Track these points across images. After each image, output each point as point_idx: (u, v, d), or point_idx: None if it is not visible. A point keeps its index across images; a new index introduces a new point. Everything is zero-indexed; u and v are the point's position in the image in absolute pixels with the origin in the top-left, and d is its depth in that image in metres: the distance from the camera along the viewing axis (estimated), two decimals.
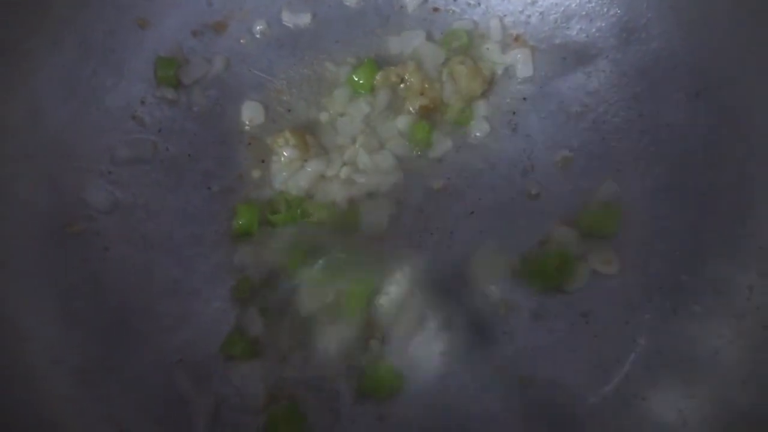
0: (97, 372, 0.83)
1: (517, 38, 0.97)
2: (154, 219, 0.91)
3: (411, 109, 0.94)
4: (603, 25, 0.95)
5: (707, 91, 0.86)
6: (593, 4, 0.96)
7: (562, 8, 0.97)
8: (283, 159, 0.91)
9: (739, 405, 0.74)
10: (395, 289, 0.84)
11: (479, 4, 0.99)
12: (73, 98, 0.94)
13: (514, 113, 0.95)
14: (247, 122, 0.96)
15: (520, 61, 0.96)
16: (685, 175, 0.87)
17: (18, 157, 0.89)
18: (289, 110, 0.96)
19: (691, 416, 0.76)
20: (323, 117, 0.95)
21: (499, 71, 0.96)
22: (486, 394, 0.81)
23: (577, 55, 0.96)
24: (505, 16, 0.98)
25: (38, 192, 0.89)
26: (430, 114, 0.94)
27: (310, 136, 0.93)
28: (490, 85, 0.95)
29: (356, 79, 0.94)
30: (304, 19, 1.00)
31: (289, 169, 0.91)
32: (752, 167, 0.82)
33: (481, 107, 0.94)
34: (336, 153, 0.93)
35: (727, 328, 0.78)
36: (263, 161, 0.93)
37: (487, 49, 0.96)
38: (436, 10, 1.00)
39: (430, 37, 0.98)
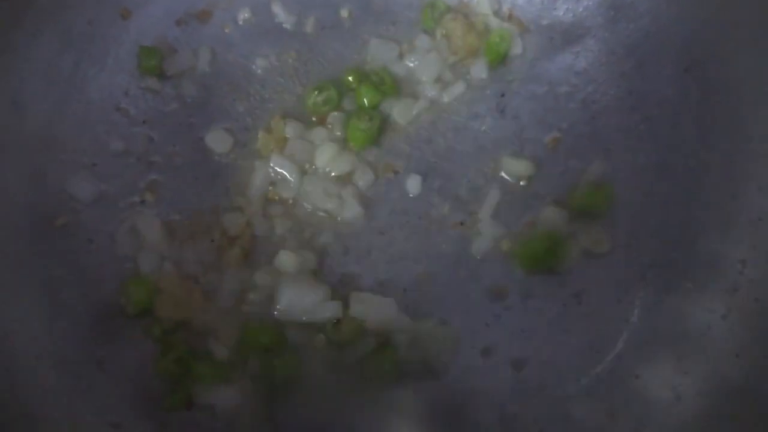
0: (84, 364, 0.82)
1: (510, 16, 0.96)
2: None
3: None
4: (590, 4, 0.94)
5: (696, 67, 0.85)
6: None
7: None
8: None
9: (732, 379, 0.73)
10: None
11: None
12: (56, 90, 0.93)
13: (502, 95, 0.94)
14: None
15: None
16: (675, 151, 0.86)
17: (1, 151, 0.87)
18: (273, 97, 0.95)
19: (685, 392, 0.76)
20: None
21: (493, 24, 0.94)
22: (478, 375, 0.80)
23: (565, 35, 0.95)
24: None
25: (22, 185, 0.88)
26: None
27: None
28: (485, 37, 0.94)
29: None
30: (291, 19, 0.99)
31: None
32: (743, 141, 0.81)
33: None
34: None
35: (720, 302, 0.77)
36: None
37: (477, 2, 0.95)
38: None
39: None
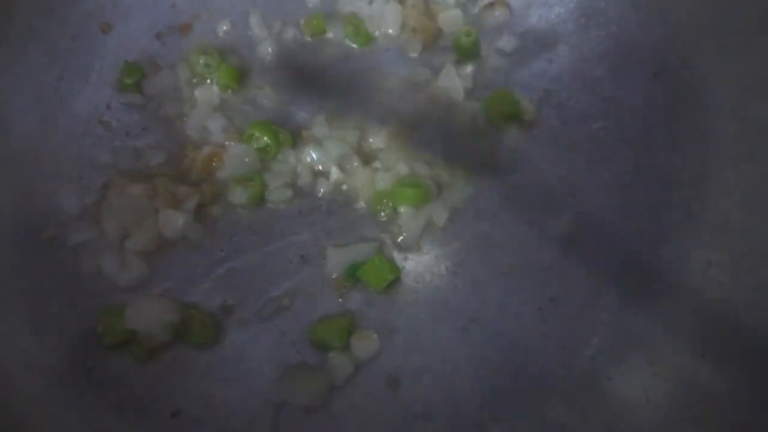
0: (72, 374, 0.83)
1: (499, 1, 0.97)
2: None
3: None
4: (562, 11, 0.96)
5: (665, 72, 0.87)
6: None
7: None
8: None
9: (700, 380, 0.75)
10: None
11: None
12: (41, 105, 0.95)
13: (478, 101, 0.95)
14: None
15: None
16: (647, 156, 0.88)
17: None
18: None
19: (654, 393, 0.77)
20: None
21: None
22: (456, 378, 0.82)
23: (538, 42, 0.96)
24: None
25: (9, 199, 0.90)
26: None
27: None
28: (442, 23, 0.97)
29: None
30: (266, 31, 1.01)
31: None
32: (710, 145, 0.82)
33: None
34: None
35: (687, 304, 0.79)
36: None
37: None
38: None
39: None
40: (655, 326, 0.79)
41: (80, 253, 0.89)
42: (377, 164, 0.92)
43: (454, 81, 0.94)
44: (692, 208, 0.82)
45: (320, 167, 0.92)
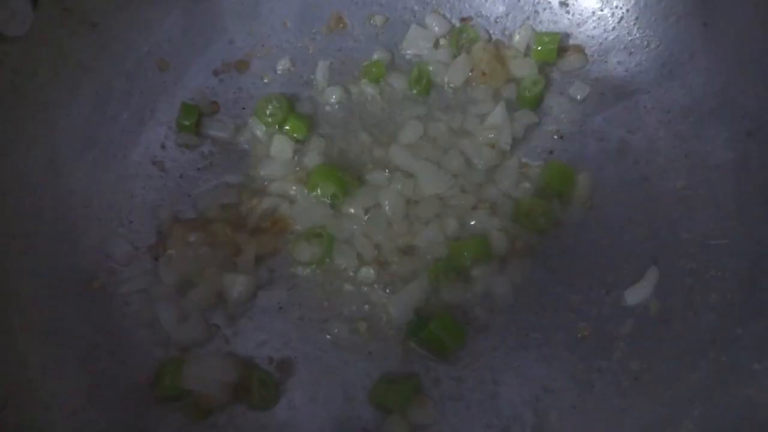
0: None
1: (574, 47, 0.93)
2: None
3: None
4: (643, 59, 0.90)
5: (760, 131, 0.81)
6: (632, 37, 0.91)
7: (600, 41, 0.93)
8: None
9: None
10: None
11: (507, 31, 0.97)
12: (93, 147, 0.91)
13: (551, 152, 0.90)
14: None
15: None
16: (737, 220, 0.82)
17: (38, 212, 0.86)
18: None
19: None
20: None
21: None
22: None
23: (616, 91, 0.91)
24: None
25: (59, 247, 0.87)
26: None
27: None
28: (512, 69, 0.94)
29: None
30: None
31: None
32: None
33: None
34: None
35: None
36: None
37: (516, 41, 0.95)
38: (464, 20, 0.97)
39: None
40: (755, 410, 0.73)
41: (131, 303, 0.86)
42: (418, 212, 0.87)
43: (504, 127, 0.89)
44: None
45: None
